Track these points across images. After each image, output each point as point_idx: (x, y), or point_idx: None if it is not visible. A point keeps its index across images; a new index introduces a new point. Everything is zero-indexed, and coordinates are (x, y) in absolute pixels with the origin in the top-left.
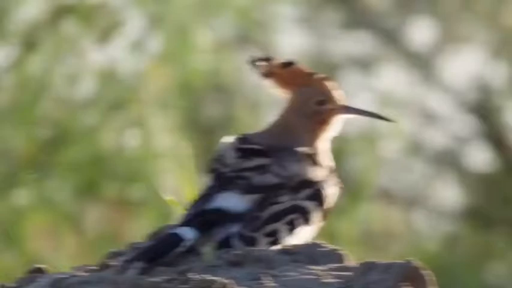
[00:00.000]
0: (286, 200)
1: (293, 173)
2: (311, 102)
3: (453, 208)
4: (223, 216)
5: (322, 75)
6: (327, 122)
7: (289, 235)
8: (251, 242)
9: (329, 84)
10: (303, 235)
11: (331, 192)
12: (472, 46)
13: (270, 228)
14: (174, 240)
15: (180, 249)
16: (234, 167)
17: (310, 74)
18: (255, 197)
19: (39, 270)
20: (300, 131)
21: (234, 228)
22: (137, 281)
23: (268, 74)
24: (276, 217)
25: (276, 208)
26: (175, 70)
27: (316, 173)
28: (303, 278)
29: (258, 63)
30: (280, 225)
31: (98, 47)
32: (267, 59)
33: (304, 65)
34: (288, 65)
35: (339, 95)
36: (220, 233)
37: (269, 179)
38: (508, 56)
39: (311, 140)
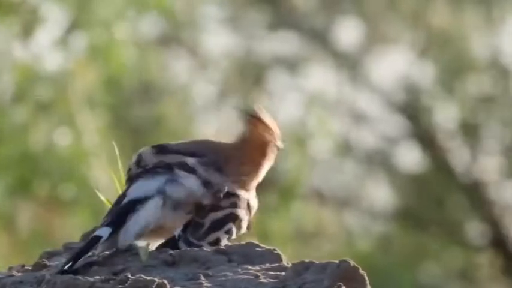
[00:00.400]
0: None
1: (218, 188)
2: (272, 144)
3: (385, 208)
4: (131, 204)
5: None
6: (271, 161)
7: (226, 243)
8: (197, 247)
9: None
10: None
11: (255, 203)
12: (398, 46)
13: (213, 236)
14: (94, 239)
15: (95, 247)
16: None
17: (268, 123)
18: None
19: None
20: (247, 165)
21: (149, 212)
22: (74, 281)
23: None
24: (217, 225)
25: (216, 216)
26: (101, 68)
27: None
28: (239, 278)
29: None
30: (221, 234)
31: (21, 45)
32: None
33: (261, 112)
34: (254, 117)
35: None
36: (135, 220)
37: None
38: (435, 56)
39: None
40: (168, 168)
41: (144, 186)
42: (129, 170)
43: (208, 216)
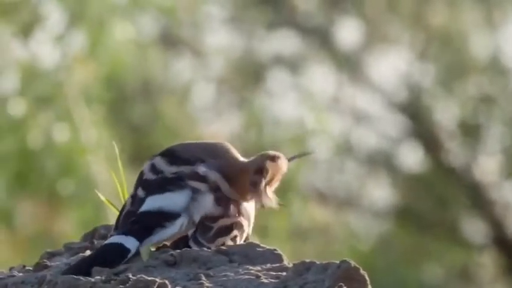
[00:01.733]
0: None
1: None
2: (274, 180)
3: (385, 208)
4: (160, 217)
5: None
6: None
7: None
8: (205, 247)
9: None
10: None
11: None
12: (399, 46)
13: (220, 241)
14: (120, 251)
15: (124, 261)
16: (168, 171)
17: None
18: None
19: None
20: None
21: (174, 230)
22: (75, 281)
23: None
24: (225, 231)
25: (225, 222)
26: (100, 64)
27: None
28: (240, 278)
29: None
30: (227, 239)
31: (20, 42)
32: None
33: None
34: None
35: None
36: (160, 235)
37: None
38: (435, 56)
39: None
40: (186, 180)
41: (171, 199)
42: (142, 174)
43: (218, 221)
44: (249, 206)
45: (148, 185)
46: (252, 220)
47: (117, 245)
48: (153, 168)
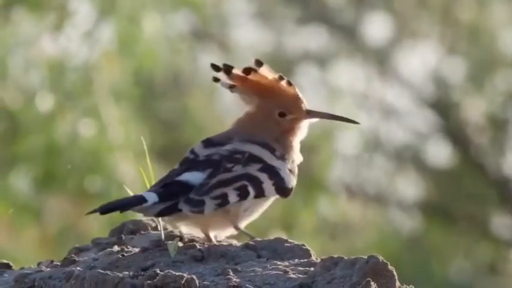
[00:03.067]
0: (238, 170)
1: (246, 150)
2: (273, 115)
3: (414, 203)
4: (184, 187)
5: (285, 82)
6: (291, 130)
7: (240, 200)
8: (198, 204)
9: (292, 90)
10: (257, 206)
11: (286, 171)
12: (428, 41)
13: (217, 192)
14: (138, 199)
15: (139, 207)
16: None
17: (274, 81)
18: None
19: (7, 266)
20: (265, 138)
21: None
22: (103, 276)
23: (231, 85)
24: (225, 182)
25: (225, 175)
26: (128, 60)
27: (271, 157)
28: (268, 273)
29: (221, 73)
30: (228, 190)
31: (50, 37)
32: (228, 68)
33: (267, 71)
34: (249, 70)
35: (302, 100)
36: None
37: (222, 151)
38: (464, 51)
39: (276, 143)
40: (213, 163)
41: (197, 176)
42: (185, 155)
43: (217, 176)
44: (285, 162)
45: (184, 162)
46: (289, 170)
47: (138, 195)
48: (192, 151)
